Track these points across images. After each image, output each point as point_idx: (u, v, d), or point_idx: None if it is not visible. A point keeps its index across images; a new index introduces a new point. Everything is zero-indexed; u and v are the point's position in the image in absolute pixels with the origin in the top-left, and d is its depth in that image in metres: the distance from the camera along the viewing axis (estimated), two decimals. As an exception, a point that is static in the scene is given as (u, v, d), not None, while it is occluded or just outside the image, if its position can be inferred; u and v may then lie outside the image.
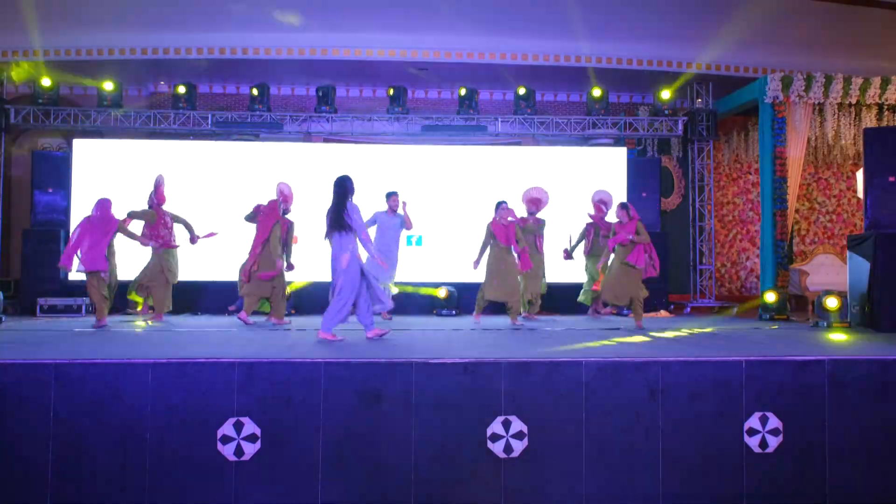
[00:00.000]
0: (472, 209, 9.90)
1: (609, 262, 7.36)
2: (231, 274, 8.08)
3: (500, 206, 7.36)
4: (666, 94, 10.38)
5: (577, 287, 8.67)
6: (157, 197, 7.64)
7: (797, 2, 9.07)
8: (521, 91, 10.21)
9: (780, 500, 3.84)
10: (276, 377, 3.72)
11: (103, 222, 6.92)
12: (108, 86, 9.74)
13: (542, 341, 5.22)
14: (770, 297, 8.18)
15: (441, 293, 8.88)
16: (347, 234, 5.29)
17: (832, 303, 6.89)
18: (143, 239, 7.41)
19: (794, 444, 3.86)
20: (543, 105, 11.63)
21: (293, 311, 8.54)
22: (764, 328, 6.89)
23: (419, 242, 9.73)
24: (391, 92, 10.05)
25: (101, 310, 6.90)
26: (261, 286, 7.14)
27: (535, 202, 8.18)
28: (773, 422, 3.85)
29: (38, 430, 3.60)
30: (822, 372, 3.92)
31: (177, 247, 7.74)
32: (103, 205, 7.02)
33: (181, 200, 9.64)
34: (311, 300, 8.68)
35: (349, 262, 5.25)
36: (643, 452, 3.79)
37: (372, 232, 7.61)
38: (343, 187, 5.41)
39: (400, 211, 7.96)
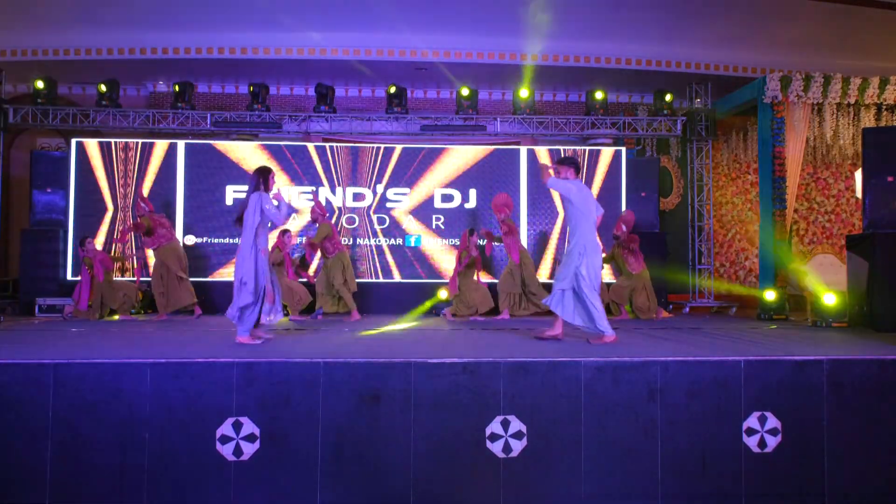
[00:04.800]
0: (472, 209, 9.91)
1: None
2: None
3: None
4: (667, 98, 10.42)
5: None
6: (146, 206, 8.02)
7: (797, 2, 9.08)
8: (521, 91, 10.22)
9: (779, 500, 3.84)
10: (275, 377, 3.72)
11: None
12: (106, 86, 9.74)
13: (541, 340, 5.22)
14: (770, 295, 8.17)
15: (441, 294, 8.90)
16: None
17: (830, 299, 6.89)
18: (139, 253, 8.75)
19: (793, 443, 3.87)
20: (543, 105, 11.65)
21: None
22: (762, 328, 6.90)
23: (418, 242, 9.75)
24: (390, 91, 10.05)
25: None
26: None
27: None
28: (772, 421, 3.86)
29: (37, 430, 3.60)
30: (821, 372, 3.93)
31: (174, 240, 8.09)
32: None
33: (179, 201, 9.66)
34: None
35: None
36: (642, 452, 3.79)
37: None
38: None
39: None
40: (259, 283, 5.02)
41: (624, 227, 8.39)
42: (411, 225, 9.78)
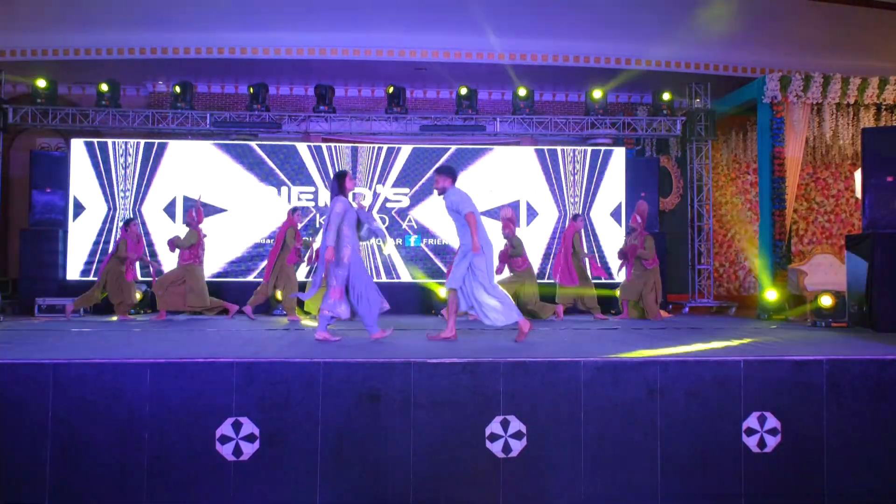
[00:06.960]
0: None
1: None
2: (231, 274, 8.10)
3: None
4: (666, 96, 10.40)
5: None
6: (198, 217, 8.01)
7: (796, 2, 9.08)
8: (520, 91, 10.22)
9: (779, 500, 3.84)
10: (274, 377, 3.72)
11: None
12: (106, 86, 9.73)
13: (541, 340, 5.22)
14: (770, 295, 8.16)
15: (442, 293, 8.89)
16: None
17: (826, 301, 6.90)
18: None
19: (793, 443, 3.87)
20: (542, 105, 11.63)
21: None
22: (762, 328, 6.90)
23: (417, 242, 9.75)
24: (390, 91, 10.04)
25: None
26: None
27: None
28: (772, 421, 3.86)
29: (37, 430, 3.59)
30: (821, 372, 3.93)
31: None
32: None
33: (179, 201, 9.65)
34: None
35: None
36: (642, 452, 3.79)
37: None
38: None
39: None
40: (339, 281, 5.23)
41: (639, 219, 8.25)
42: (411, 225, 9.78)
